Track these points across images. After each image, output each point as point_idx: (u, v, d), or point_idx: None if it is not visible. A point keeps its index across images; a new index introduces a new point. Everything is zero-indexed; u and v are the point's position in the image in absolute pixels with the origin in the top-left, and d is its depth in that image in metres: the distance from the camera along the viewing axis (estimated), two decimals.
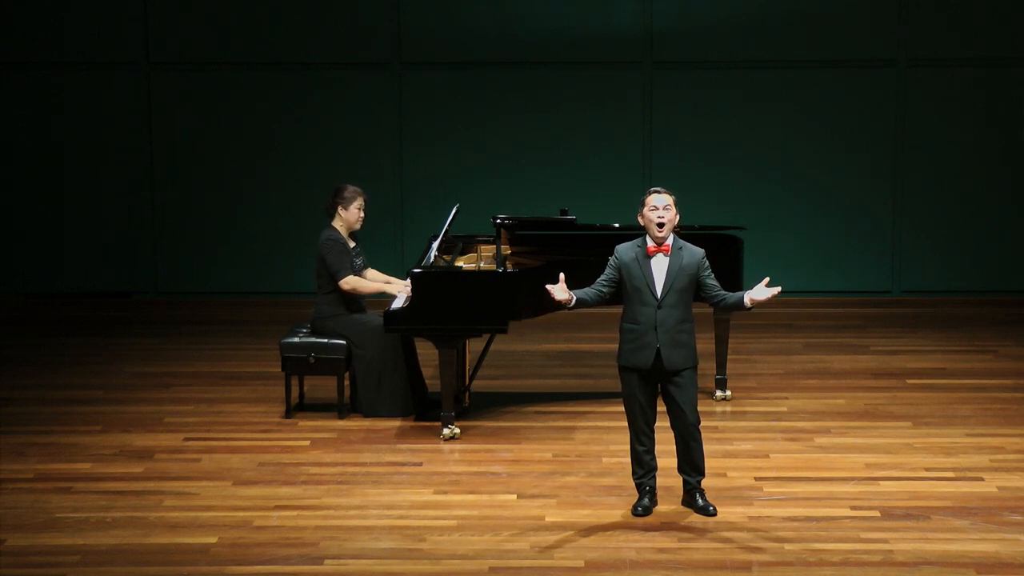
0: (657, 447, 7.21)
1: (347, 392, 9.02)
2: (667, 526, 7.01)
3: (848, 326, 11.55)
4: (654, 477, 7.22)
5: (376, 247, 11.73)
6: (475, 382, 9.34)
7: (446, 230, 9.21)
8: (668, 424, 7.14)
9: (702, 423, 7.18)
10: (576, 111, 12.41)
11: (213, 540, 6.86)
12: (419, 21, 12.31)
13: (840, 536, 6.87)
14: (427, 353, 9.20)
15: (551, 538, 6.86)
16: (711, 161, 12.39)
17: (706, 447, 7.25)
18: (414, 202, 12.45)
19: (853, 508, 7.25)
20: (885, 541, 6.80)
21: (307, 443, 8.42)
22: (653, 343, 6.96)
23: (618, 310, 7.15)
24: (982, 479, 7.70)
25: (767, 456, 8.14)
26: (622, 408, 7.18)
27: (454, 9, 12.31)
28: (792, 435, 8.54)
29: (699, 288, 7.05)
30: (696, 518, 7.11)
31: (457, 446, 8.35)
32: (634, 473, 7.21)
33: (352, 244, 8.96)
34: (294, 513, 7.22)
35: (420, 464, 8.01)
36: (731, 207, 12.20)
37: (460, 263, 9.21)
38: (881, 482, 7.65)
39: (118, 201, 12.53)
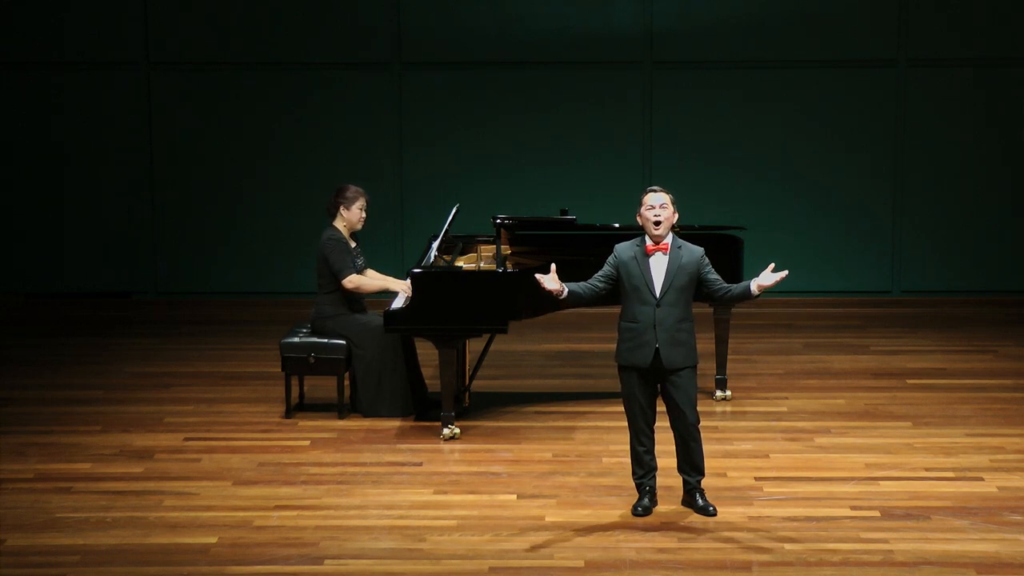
0: (657, 447, 7.21)
1: (347, 392, 9.02)
2: (667, 526, 7.01)
3: (848, 326, 11.55)
4: (654, 477, 7.22)
5: (376, 247, 11.73)
6: (475, 382, 9.34)
7: (446, 230, 9.21)
8: (668, 424, 7.15)
9: (702, 423, 7.19)
10: (576, 111, 12.41)
11: (213, 540, 6.86)
12: (419, 21, 12.32)
13: (840, 536, 6.87)
14: (427, 353, 9.20)
15: (551, 538, 6.86)
16: (711, 161, 12.39)
17: (706, 447, 7.25)
18: (414, 202, 12.45)
19: (853, 508, 7.25)
20: (885, 541, 6.80)
21: (307, 443, 8.42)
22: (652, 342, 6.96)
23: (618, 310, 7.15)
24: (982, 479, 7.70)
25: (767, 456, 8.14)
26: (622, 408, 7.19)
27: (454, 9, 12.31)
28: (792, 435, 8.54)
29: (703, 285, 7.05)
30: (696, 518, 7.11)
31: (457, 446, 8.35)
32: (634, 473, 7.21)
33: (352, 244, 8.96)
34: (294, 513, 7.22)
35: (420, 464, 8.01)
36: (731, 207, 12.20)
37: (460, 263, 9.21)
38: (881, 482, 7.65)
39: (118, 201, 12.53)
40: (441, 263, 9.05)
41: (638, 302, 6.99)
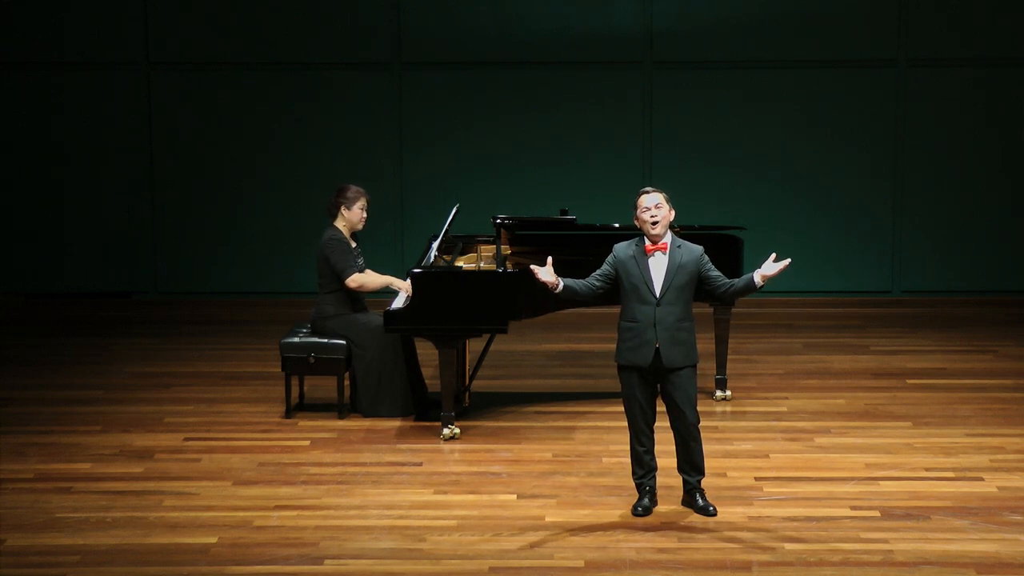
0: (657, 447, 7.21)
1: (347, 392, 9.02)
2: (667, 526, 7.01)
3: (848, 326, 11.55)
4: (654, 477, 7.22)
5: (376, 247, 11.73)
6: (475, 382, 9.34)
7: (446, 230, 9.21)
8: (668, 424, 7.14)
9: (702, 423, 7.19)
10: (576, 111, 12.41)
11: (213, 540, 6.86)
12: (419, 21, 12.31)
13: (840, 536, 6.87)
14: (427, 353, 9.20)
15: (551, 538, 6.86)
16: (711, 161, 12.39)
17: (706, 447, 7.25)
18: (414, 202, 12.45)
19: (853, 508, 7.25)
20: (885, 541, 6.80)
21: (307, 443, 8.42)
22: (652, 341, 6.96)
23: (617, 310, 7.15)
24: (982, 479, 7.70)
25: (767, 456, 8.14)
26: (622, 408, 7.18)
27: (454, 9, 12.31)
28: (792, 435, 8.54)
29: (704, 283, 7.04)
30: (696, 518, 7.11)
31: (457, 446, 8.35)
32: (634, 473, 7.21)
33: (353, 244, 8.96)
34: (294, 513, 7.22)
35: (420, 464, 8.01)
36: (731, 207, 12.20)
37: (460, 263, 9.21)
38: (881, 482, 7.65)
39: (118, 201, 12.53)
40: (441, 263, 9.05)
41: (638, 301, 6.99)
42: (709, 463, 7.39)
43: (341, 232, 8.91)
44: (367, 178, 11.57)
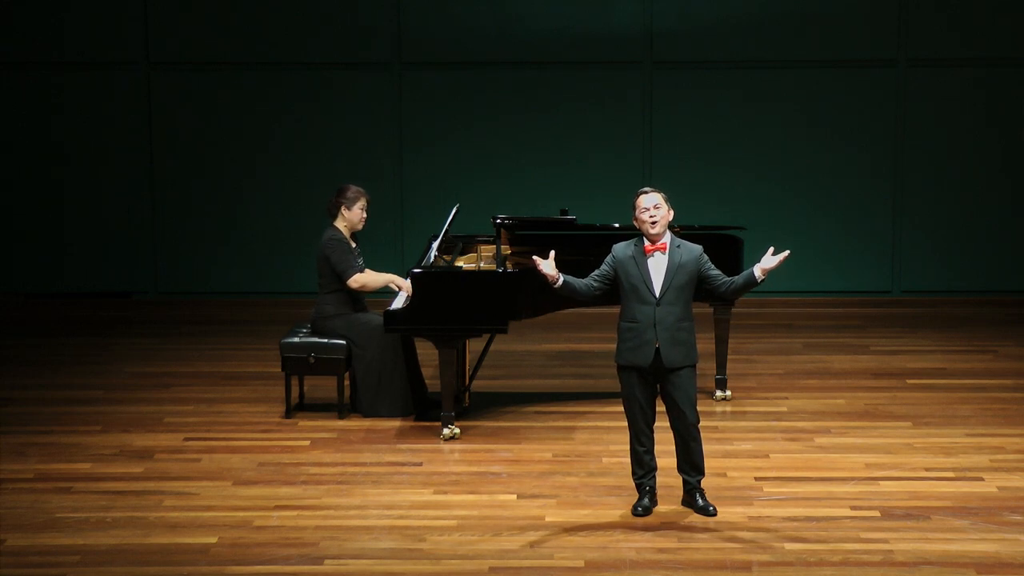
0: (657, 447, 7.21)
1: (347, 392, 9.02)
2: (667, 526, 7.01)
3: (848, 326, 11.55)
4: (654, 477, 7.22)
5: (376, 247, 11.73)
6: (475, 382, 9.34)
7: (446, 230, 9.21)
8: (668, 424, 7.14)
9: (702, 423, 7.19)
10: (576, 111, 12.41)
11: (213, 540, 6.86)
12: (419, 21, 12.31)
13: (840, 536, 6.87)
14: (427, 353, 9.20)
15: (551, 538, 6.86)
16: (711, 161, 12.39)
17: (706, 447, 7.25)
18: (414, 202, 12.45)
19: (853, 508, 7.25)
20: (885, 541, 6.80)
21: (307, 443, 8.42)
22: (652, 341, 6.96)
23: (617, 310, 7.15)
24: (982, 479, 7.70)
25: (767, 456, 8.14)
26: (622, 408, 7.18)
27: (454, 9, 12.31)
28: (792, 435, 8.54)
29: (705, 282, 7.04)
30: (696, 518, 7.11)
31: (457, 446, 8.35)
32: (634, 473, 7.21)
33: (353, 244, 8.96)
34: (294, 513, 7.22)
35: (420, 464, 8.01)
36: (731, 207, 12.20)
37: (460, 263, 9.21)
38: (881, 482, 7.65)
39: (118, 201, 12.53)
40: (441, 263, 9.05)
41: (637, 302, 6.99)
42: (709, 463, 7.39)
43: (341, 232, 8.91)
44: (367, 178, 11.56)
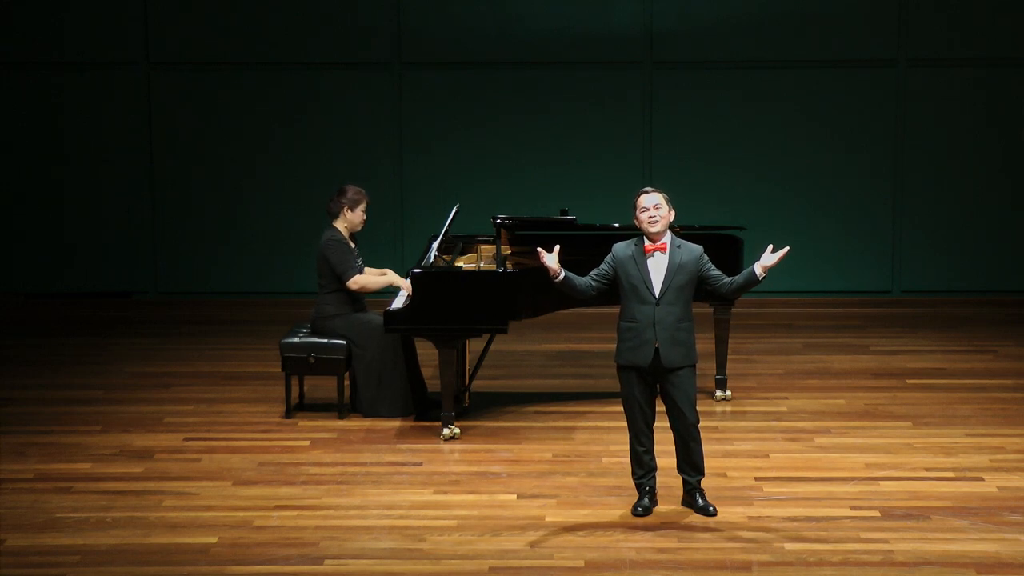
0: (657, 447, 7.21)
1: (347, 392, 9.02)
2: (667, 526, 7.01)
3: (848, 326, 11.55)
4: (654, 477, 7.22)
5: (376, 247, 11.73)
6: (475, 382, 9.34)
7: (446, 230, 9.21)
8: (667, 424, 7.15)
9: (702, 423, 7.19)
10: (576, 111, 12.41)
11: (213, 540, 6.86)
12: (419, 21, 12.31)
13: (840, 536, 6.87)
14: (427, 353, 9.20)
15: (551, 538, 6.86)
16: (711, 161, 12.39)
17: (706, 447, 7.25)
18: (414, 202, 12.45)
19: (853, 508, 7.25)
20: (885, 541, 6.80)
21: (307, 443, 8.42)
22: (652, 340, 6.96)
23: (617, 310, 7.15)
24: (982, 479, 7.70)
25: (767, 456, 8.14)
26: (622, 408, 7.18)
27: (454, 9, 12.31)
28: (792, 435, 8.54)
29: (705, 282, 7.04)
30: (696, 518, 7.11)
31: (457, 446, 8.35)
32: (634, 473, 7.21)
33: (352, 245, 8.97)
34: (294, 513, 7.22)
35: (420, 464, 8.01)
36: (731, 207, 12.20)
37: (460, 263, 9.21)
38: (881, 482, 7.65)
39: (118, 201, 12.53)
40: (441, 263, 9.05)
41: (637, 301, 6.99)
42: (709, 463, 7.39)
43: (341, 233, 8.92)
44: (367, 178, 11.57)
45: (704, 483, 7.26)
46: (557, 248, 7.04)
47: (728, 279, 7.06)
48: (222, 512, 7.24)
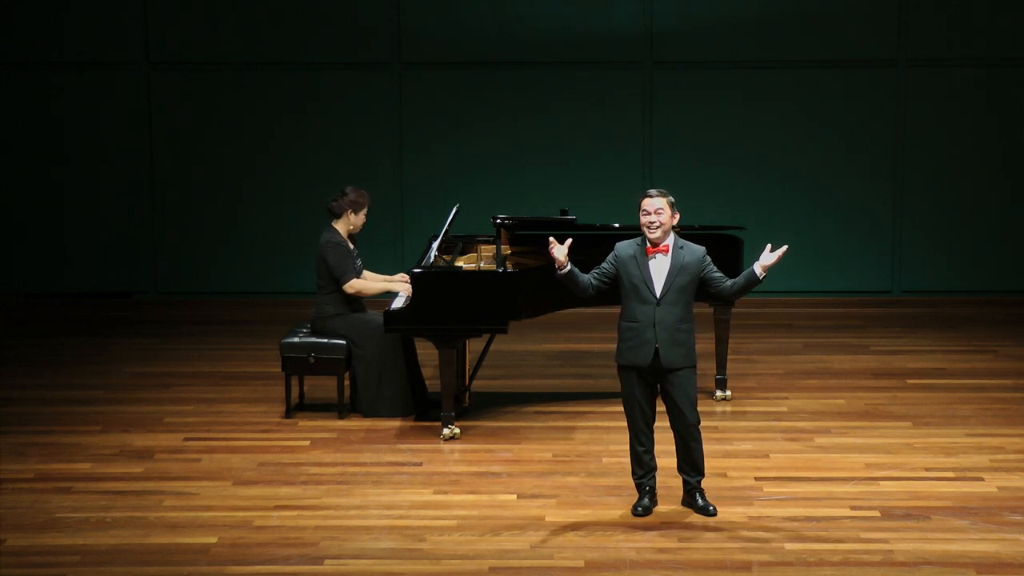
0: (657, 447, 7.21)
1: (347, 392, 9.02)
2: (667, 526, 7.01)
3: (848, 326, 11.55)
4: (654, 477, 7.22)
5: (376, 247, 11.74)
6: (475, 382, 9.34)
7: (446, 230, 9.21)
8: (668, 424, 7.15)
9: (702, 423, 7.18)
10: (576, 111, 12.41)
11: (213, 540, 6.86)
12: (419, 21, 12.31)
13: (840, 536, 6.87)
14: (427, 353, 9.20)
15: (551, 538, 6.86)
16: (711, 161, 12.39)
17: (706, 447, 7.25)
18: (414, 202, 12.45)
19: (853, 508, 7.25)
20: (885, 541, 6.80)
21: (307, 443, 8.42)
22: (652, 341, 6.96)
23: (617, 310, 7.15)
24: (982, 479, 7.70)
25: (767, 456, 8.14)
26: (622, 408, 7.18)
27: (454, 9, 12.30)
28: (792, 435, 8.54)
29: (706, 284, 7.05)
30: (696, 518, 7.11)
31: (457, 446, 8.35)
32: (634, 473, 7.21)
33: (351, 246, 8.97)
34: (294, 513, 7.22)
35: (420, 464, 8.01)
36: (731, 207, 12.20)
37: (460, 263, 9.21)
38: (881, 482, 7.65)
39: (118, 201, 12.53)
40: (441, 263, 9.05)
41: (638, 301, 6.99)
42: (709, 463, 7.39)
43: (340, 234, 8.92)
44: (367, 178, 11.58)
45: (704, 483, 7.26)
46: (569, 241, 7.04)
47: (729, 281, 7.07)
48: (222, 512, 7.24)
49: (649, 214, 6.98)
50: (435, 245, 9.09)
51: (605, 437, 8.46)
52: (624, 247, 7.06)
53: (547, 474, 7.83)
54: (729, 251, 9.21)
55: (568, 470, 7.89)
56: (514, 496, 7.48)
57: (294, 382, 9.07)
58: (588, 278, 7.09)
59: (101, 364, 10.39)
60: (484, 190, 12.23)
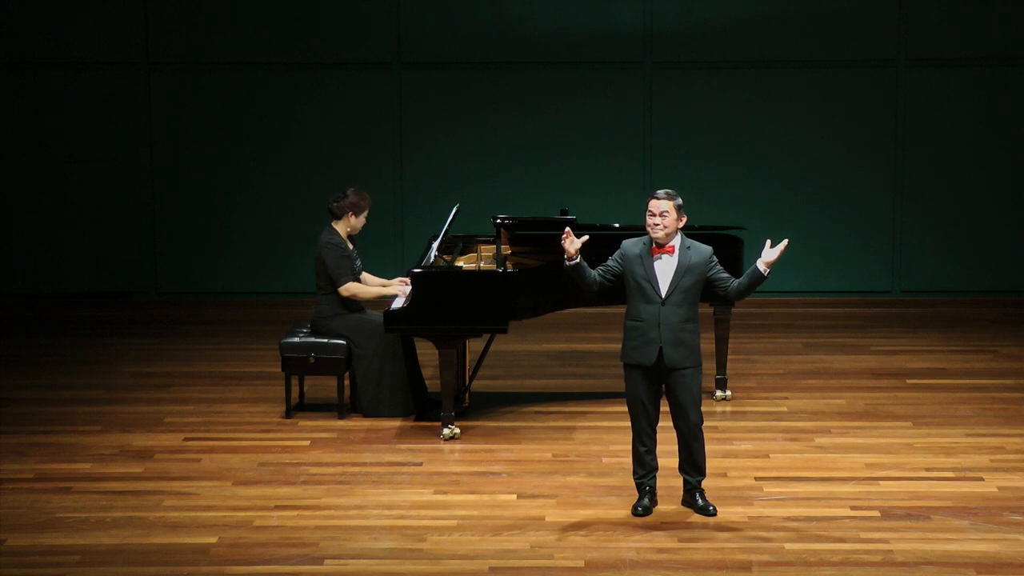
0: (658, 447, 7.21)
1: (347, 392, 9.02)
2: (667, 526, 7.01)
3: (848, 326, 11.55)
4: (655, 477, 7.22)
5: (376, 247, 11.73)
6: (475, 382, 9.34)
7: (446, 230, 9.21)
8: (670, 424, 7.15)
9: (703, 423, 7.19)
10: (576, 111, 12.41)
11: (213, 540, 6.86)
12: (419, 21, 12.31)
13: (840, 536, 6.87)
14: (427, 353, 9.20)
15: (551, 538, 6.86)
16: (711, 161, 12.39)
17: (706, 447, 7.25)
18: (414, 202, 12.45)
19: (853, 508, 7.25)
20: (885, 541, 6.80)
21: (307, 443, 8.42)
22: (656, 340, 6.97)
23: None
24: (982, 479, 7.70)
25: (767, 456, 8.14)
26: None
27: (454, 9, 12.31)
28: (792, 435, 8.54)
29: (712, 285, 7.05)
30: (696, 518, 7.11)
31: (457, 446, 8.35)
32: (635, 473, 7.21)
33: (351, 247, 8.97)
34: (294, 513, 7.22)
35: (420, 464, 8.01)
36: (731, 207, 12.20)
37: (460, 263, 9.21)
38: (881, 482, 7.65)
39: (118, 201, 12.53)
40: (441, 263, 9.05)
41: (643, 301, 7.00)
42: (709, 463, 7.38)
43: (339, 235, 8.92)
44: (367, 178, 11.59)
45: (704, 483, 7.26)
46: (585, 238, 7.04)
47: (735, 281, 7.07)
48: (222, 512, 7.24)
49: (654, 216, 6.98)
50: (435, 245, 9.09)
51: (605, 437, 8.46)
52: (631, 245, 7.06)
53: (547, 474, 7.83)
54: (729, 251, 9.20)
55: (568, 470, 7.89)
56: (514, 496, 7.48)
57: (294, 382, 9.07)
58: (594, 274, 7.09)
59: (101, 364, 10.39)
60: (484, 190, 12.23)
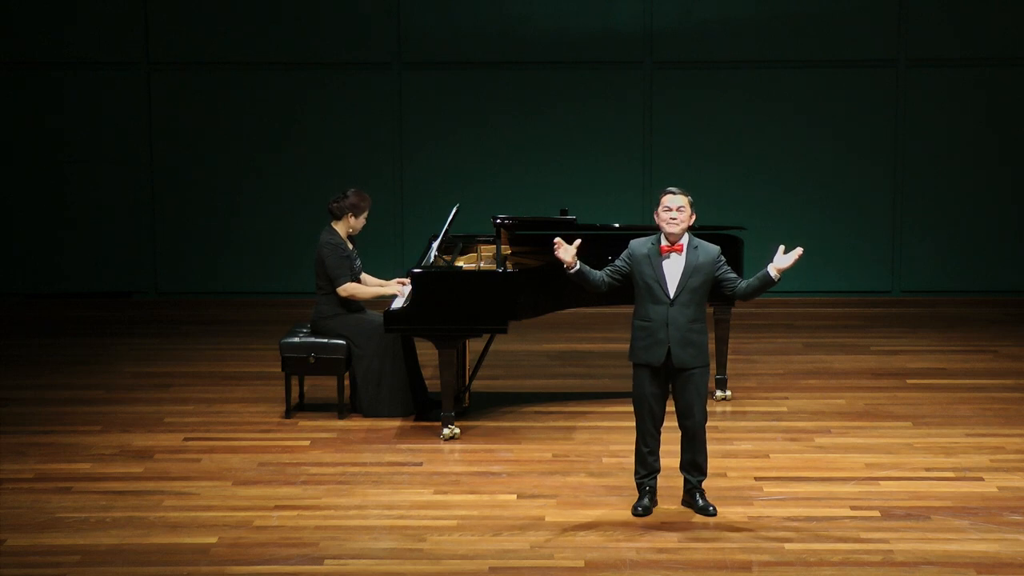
0: (661, 447, 7.20)
1: (347, 392, 9.02)
2: (667, 526, 7.01)
3: (848, 326, 11.55)
4: (655, 478, 7.22)
5: (376, 247, 11.73)
6: (475, 382, 9.34)
7: (446, 230, 9.21)
8: (671, 424, 7.14)
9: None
10: (576, 111, 12.41)
11: (213, 540, 6.86)
12: (419, 21, 12.32)
13: (840, 536, 6.87)
14: (427, 353, 9.20)
15: (551, 538, 6.86)
16: (711, 161, 12.39)
17: (707, 447, 7.24)
18: (414, 202, 12.45)
19: (853, 508, 7.25)
20: (885, 541, 6.80)
21: (307, 443, 8.42)
22: (664, 340, 6.97)
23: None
24: (982, 479, 7.70)
25: (767, 456, 8.14)
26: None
27: (454, 9, 12.31)
28: (792, 435, 8.54)
29: (720, 285, 7.06)
30: (696, 518, 7.11)
31: (457, 446, 8.35)
32: (636, 473, 7.21)
33: (350, 247, 8.97)
34: (294, 513, 7.22)
35: (420, 464, 8.01)
36: (731, 207, 12.19)
37: (460, 263, 9.21)
38: (881, 482, 7.65)
39: (118, 201, 12.53)
40: (441, 263, 9.05)
41: (651, 301, 7.00)
42: (709, 463, 7.38)
43: (339, 236, 8.92)
44: (367, 178, 11.58)
45: (704, 483, 7.26)
46: (578, 242, 7.05)
47: (744, 282, 7.08)
48: (222, 512, 7.24)
49: (671, 210, 6.98)
50: (435, 245, 9.09)
51: (605, 437, 8.46)
52: (639, 245, 7.07)
53: (547, 474, 7.83)
54: (729, 251, 9.19)
55: (568, 470, 7.89)
56: (514, 496, 7.48)
57: (294, 382, 9.07)
58: (600, 275, 7.09)
59: (101, 364, 10.39)
60: (484, 190, 12.23)
